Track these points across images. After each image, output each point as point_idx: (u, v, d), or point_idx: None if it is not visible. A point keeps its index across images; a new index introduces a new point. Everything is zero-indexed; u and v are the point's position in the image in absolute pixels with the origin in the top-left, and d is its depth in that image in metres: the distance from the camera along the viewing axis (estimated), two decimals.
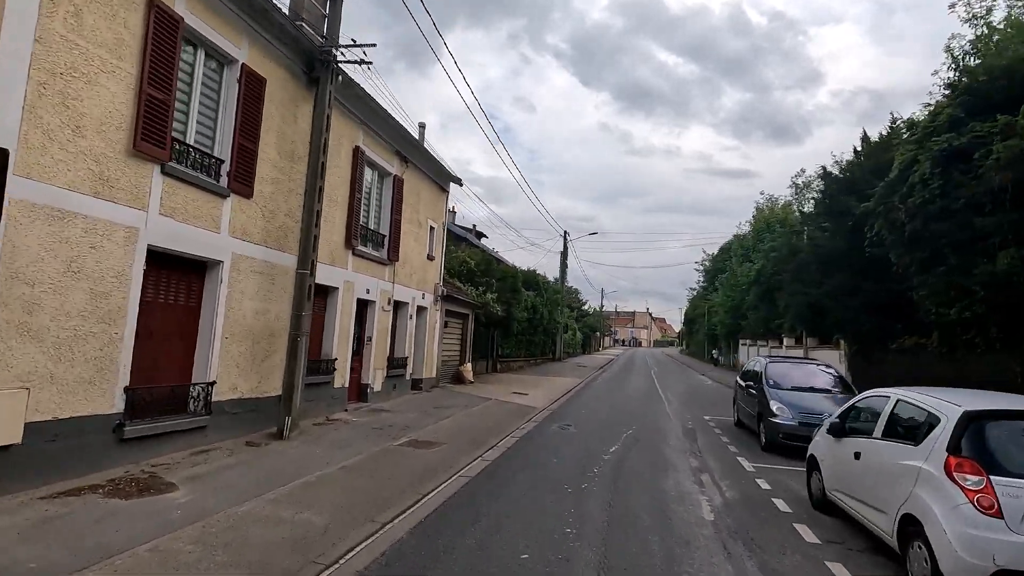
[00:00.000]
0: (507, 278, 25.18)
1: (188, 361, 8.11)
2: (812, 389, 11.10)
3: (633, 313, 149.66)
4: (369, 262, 12.95)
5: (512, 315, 25.39)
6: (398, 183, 14.17)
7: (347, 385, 12.11)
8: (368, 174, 13.16)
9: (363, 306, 13.03)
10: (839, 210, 19.87)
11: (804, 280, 22.07)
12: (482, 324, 22.88)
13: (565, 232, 39.87)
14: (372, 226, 13.38)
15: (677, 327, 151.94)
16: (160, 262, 7.47)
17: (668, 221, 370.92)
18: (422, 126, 16.78)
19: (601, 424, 13.05)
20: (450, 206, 40.73)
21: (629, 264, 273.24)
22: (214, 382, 8.22)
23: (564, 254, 40.14)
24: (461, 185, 18.03)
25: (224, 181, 8.33)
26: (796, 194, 44.76)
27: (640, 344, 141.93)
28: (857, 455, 5.78)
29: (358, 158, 12.04)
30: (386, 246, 13.75)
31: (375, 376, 13.40)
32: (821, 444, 6.94)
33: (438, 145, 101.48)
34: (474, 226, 37.87)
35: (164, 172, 7.21)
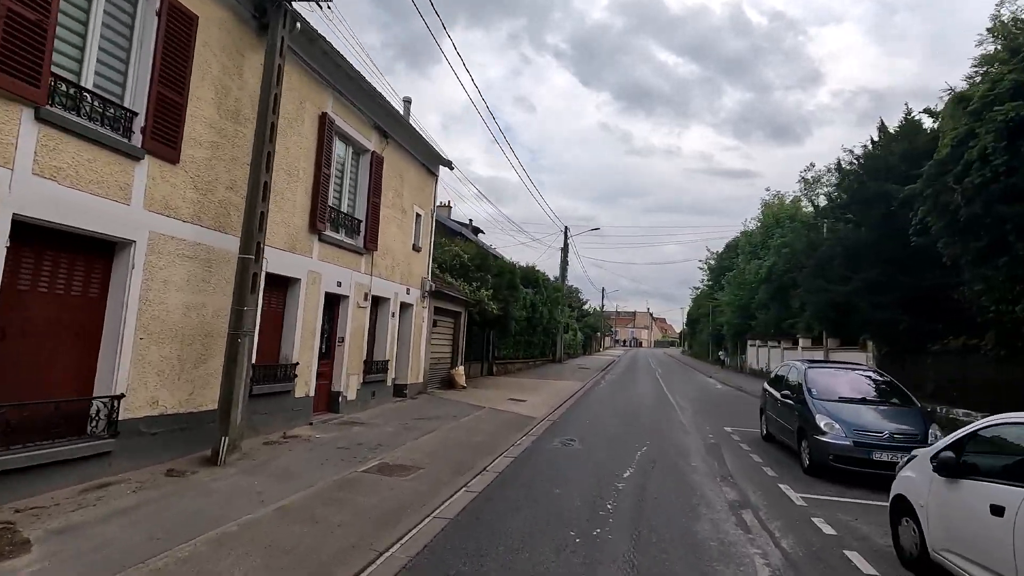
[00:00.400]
0: (504, 274, 23.40)
1: (87, 370, 6.32)
2: (865, 400, 9.31)
3: (634, 313, 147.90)
4: (341, 250, 11.16)
5: (509, 314, 23.60)
6: (377, 161, 12.37)
7: (312, 394, 10.32)
8: (340, 148, 11.38)
9: (334, 301, 11.24)
10: (865, 197, 18.11)
11: (826, 276, 20.30)
12: (476, 323, 21.10)
13: (565, 228, 38.17)
14: (345, 209, 11.59)
15: (678, 327, 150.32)
16: (39, 239, 5.69)
17: (669, 221, 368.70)
18: (407, 101, 15.00)
19: (610, 439, 11.27)
20: (445, 200, 38.95)
21: (631, 261, 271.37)
22: (122, 395, 6.43)
23: (564, 250, 38.39)
24: (452, 168, 16.25)
25: (137, 139, 6.54)
26: (805, 189, 43.06)
27: (641, 344, 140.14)
28: (998, 510, 3.99)
29: (326, 127, 10.25)
30: (362, 233, 11.96)
31: (349, 383, 11.61)
32: (918, 483, 5.15)
33: (441, 145, 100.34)
34: (470, 221, 36.11)
35: (40, 118, 5.42)
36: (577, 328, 55.70)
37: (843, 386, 9.64)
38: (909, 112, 20.08)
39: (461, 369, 18.25)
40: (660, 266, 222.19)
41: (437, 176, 16.12)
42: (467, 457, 8.73)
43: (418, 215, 14.89)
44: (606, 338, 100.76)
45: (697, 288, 65.18)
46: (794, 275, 29.98)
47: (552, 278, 41.08)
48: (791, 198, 42.78)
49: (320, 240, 10.35)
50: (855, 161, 20.26)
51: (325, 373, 11.06)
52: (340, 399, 11.31)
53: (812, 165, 42.40)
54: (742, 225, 50.70)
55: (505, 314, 22.72)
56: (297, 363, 9.76)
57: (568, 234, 38.05)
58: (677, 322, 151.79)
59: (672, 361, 57.54)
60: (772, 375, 12.19)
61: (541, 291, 33.62)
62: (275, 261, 9.00)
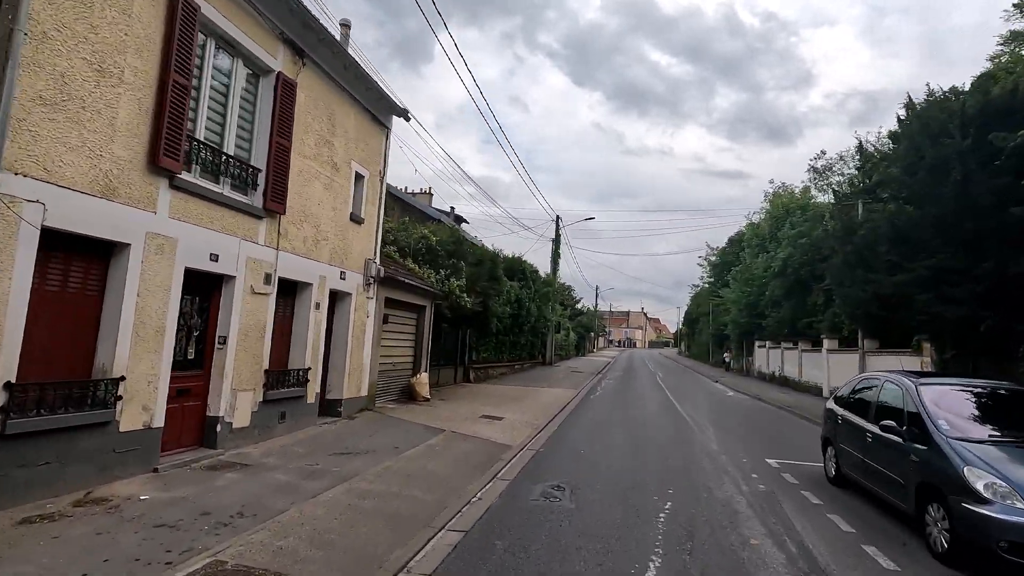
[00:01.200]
0: (484, 263, 19.85)
1: None
2: None
3: (627, 313, 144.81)
4: (219, 208, 7.55)
5: (490, 309, 20.04)
6: (286, 89, 8.77)
7: (160, 423, 6.71)
8: (223, 59, 7.78)
9: (208, 284, 7.65)
10: (921, 167, 14.65)
11: (867, 265, 16.86)
12: (448, 320, 17.54)
13: (557, 216, 34.58)
14: (231, 150, 7.97)
15: (672, 328, 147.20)
16: None
17: (664, 221, 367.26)
18: (345, 25, 11.39)
19: (615, 484, 7.73)
20: (425, 187, 35.24)
21: (628, 253, 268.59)
22: None
23: (556, 242, 34.86)
24: (408, 120, 12.65)
25: None
26: (816, 178, 39.91)
27: (635, 345, 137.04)
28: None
29: (183, 12, 6.64)
30: (261, 187, 8.36)
31: (236, 403, 7.99)
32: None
33: (433, 141, 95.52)
34: (452, 209, 32.55)
35: None
36: (570, 328, 52.25)
37: (990, 416, 6.13)
38: (930, 93, 16.95)
39: (424, 377, 14.68)
40: (655, 266, 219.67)
41: (389, 129, 12.51)
42: (381, 539, 5.16)
43: (359, 176, 11.29)
44: (600, 338, 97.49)
45: (696, 286, 61.98)
46: (813, 267, 26.68)
47: (544, 274, 37.59)
48: (800, 188, 39.59)
49: (173, 187, 6.73)
50: (907, 121, 16.83)
51: (194, 390, 7.45)
52: (219, 427, 7.69)
53: (823, 153, 39.20)
54: (745, 219, 47.57)
55: (485, 309, 19.17)
56: (123, 377, 6.13)
57: (560, 224, 34.55)
58: (672, 323, 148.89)
59: (671, 363, 54.18)
60: (843, 393, 8.65)
61: (529, 285, 30.10)
62: (66, 210, 5.39)
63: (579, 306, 62.88)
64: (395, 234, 16.14)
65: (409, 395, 14.26)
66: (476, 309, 18.01)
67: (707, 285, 56.24)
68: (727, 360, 37.64)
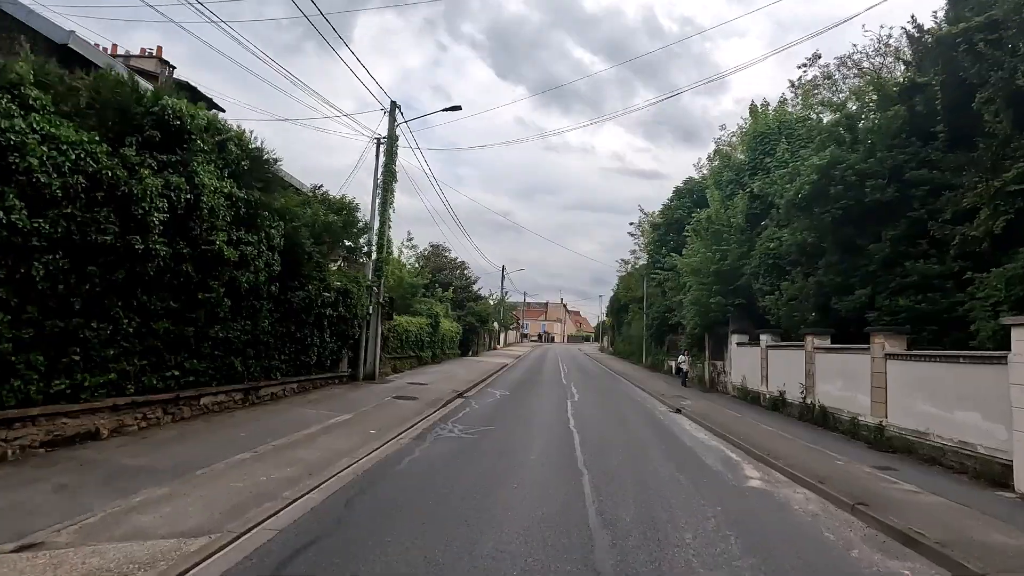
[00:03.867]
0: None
1: None
2: None
3: (546, 304, 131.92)
4: None
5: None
6: None
7: None
8: None
9: None
10: None
11: None
12: None
13: (393, 104, 18.73)
14: None
15: (594, 321, 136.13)
16: None
17: (586, 218, 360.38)
18: None
19: None
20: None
21: (544, 259, 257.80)
22: None
23: (388, 144, 18.69)
24: None
25: None
26: (802, 96, 26.73)
27: (553, 340, 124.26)
28: None
29: None
30: None
31: None
32: None
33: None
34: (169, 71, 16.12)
35: None
36: (453, 315, 36.93)
37: None
38: None
39: None
40: (574, 262, 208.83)
41: None
42: None
43: None
44: (512, 332, 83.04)
45: (626, 261, 48.35)
46: (874, 199, 12.87)
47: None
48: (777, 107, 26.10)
49: None
50: None
51: None
52: None
53: (816, 57, 25.70)
54: (695, 169, 33.75)
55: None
56: None
57: (398, 110, 18.68)
58: (593, 316, 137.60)
59: (593, 366, 40.05)
60: None
61: (319, 217, 14.30)
62: None
63: (475, 289, 47.76)
64: None
65: None
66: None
67: (643, 259, 42.70)
68: (683, 368, 23.72)
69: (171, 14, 19.62)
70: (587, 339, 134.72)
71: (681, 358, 23.94)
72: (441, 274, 43.78)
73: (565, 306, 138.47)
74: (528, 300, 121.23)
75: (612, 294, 56.08)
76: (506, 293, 79.04)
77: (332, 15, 22.48)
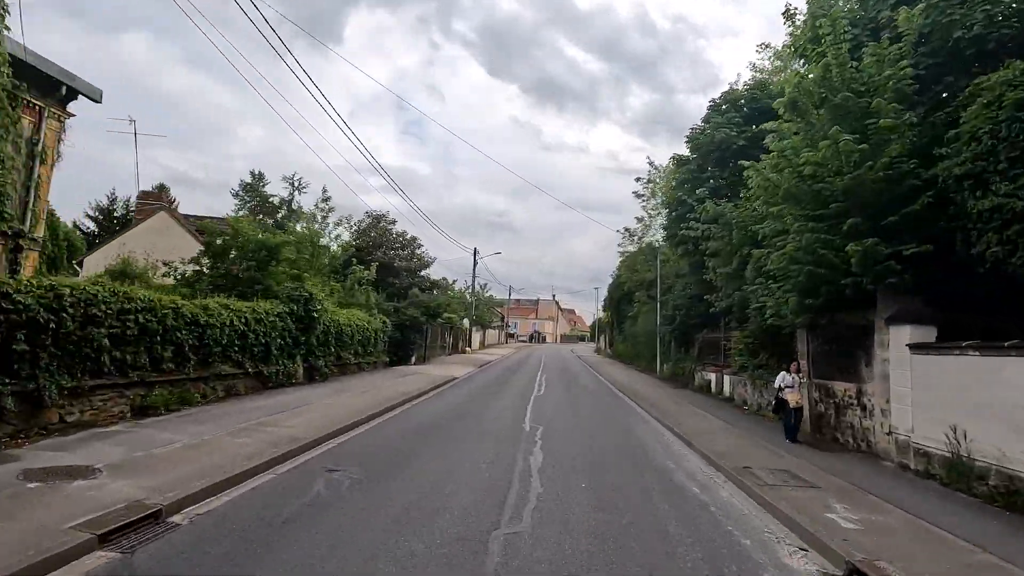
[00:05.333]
0: None
1: None
2: None
3: (536, 301, 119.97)
4: None
5: None
6: None
7: None
8: None
9: None
10: None
11: None
12: None
13: None
14: None
15: (589, 320, 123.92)
16: None
17: (583, 218, 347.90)
18: None
19: None
20: None
21: (539, 257, 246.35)
22: None
23: None
24: None
25: None
26: None
27: (545, 339, 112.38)
28: None
29: None
30: None
31: None
32: None
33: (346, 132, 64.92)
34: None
35: None
36: (389, 306, 25.05)
37: None
38: None
39: None
40: (568, 259, 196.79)
41: None
42: None
43: None
44: (492, 331, 71.11)
45: (631, 232, 36.39)
46: None
47: None
48: None
49: None
50: None
51: None
52: None
53: None
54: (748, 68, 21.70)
55: None
56: None
57: None
58: (588, 314, 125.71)
59: (591, 377, 28.19)
60: None
61: None
62: None
63: (427, 273, 35.79)
64: None
65: None
66: None
67: (655, 229, 30.89)
68: (785, 400, 11.60)
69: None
70: (582, 339, 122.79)
71: (787, 379, 11.66)
72: (378, 252, 31.91)
73: (558, 303, 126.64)
74: (518, 297, 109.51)
75: (615, 276, 44.04)
76: (485, 285, 67.29)
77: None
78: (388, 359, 24.02)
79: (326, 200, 27.00)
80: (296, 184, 35.18)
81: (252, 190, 36.91)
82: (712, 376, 20.01)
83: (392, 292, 31.35)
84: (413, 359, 28.40)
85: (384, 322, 24.00)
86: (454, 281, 59.06)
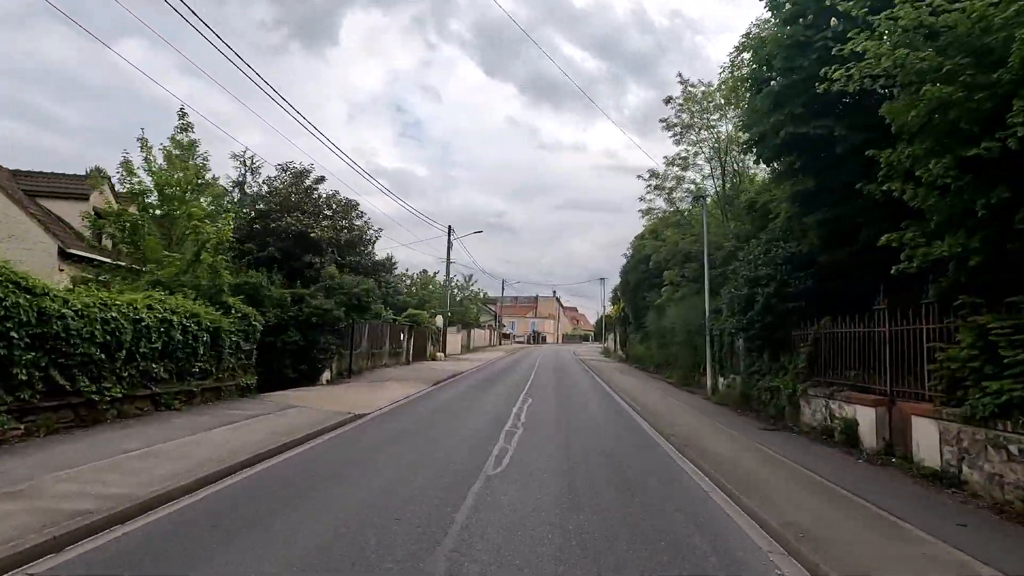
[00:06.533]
0: None
1: None
2: None
3: (535, 299, 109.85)
4: None
5: None
6: None
7: None
8: None
9: None
10: None
11: None
12: None
13: None
14: None
15: (593, 318, 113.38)
16: None
17: (581, 218, 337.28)
18: None
19: None
20: None
21: (538, 257, 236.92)
22: None
23: None
24: None
25: None
26: None
27: (545, 340, 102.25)
28: None
29: None
30: None
31: None
32: None
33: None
34: None
35: None
36: (221, 282, 15.00)
37: None
38: None
39: None
40: (567, 259, 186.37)
41: None
42: None
43: None
44: (481, 331, 61.00)
45: (659, 186, 26.16)
46: None
47: None
48: None
49: None
50: None
51: None
52: None
53: None
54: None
55: None
56: None
57: None
58: (592, 312, 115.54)
59: (607, 409, 18.27)
60: None
61: None
62: None
63: (371, 250, 25.61)
64: None
65: None
66: None
67: (693, 173, 20.85)
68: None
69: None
70: (585, 339, 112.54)
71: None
72: (290, 217, 21.80)
73: (559, 300, 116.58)
74: (515, 295, 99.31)
75: (627, 261, 33.62)
76: (470, 277, 57.21)
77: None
78: (250, 381, 13.82)
79: (184, 130, 17.10)
80: (249, 164, 25.23)
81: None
82: (860, 411, 9.85)
83: (310, 276, 21.29)
84: (326, 376, 18.21)
85: (249, 319, 13.85)
86: (435, 274, 49.10)
